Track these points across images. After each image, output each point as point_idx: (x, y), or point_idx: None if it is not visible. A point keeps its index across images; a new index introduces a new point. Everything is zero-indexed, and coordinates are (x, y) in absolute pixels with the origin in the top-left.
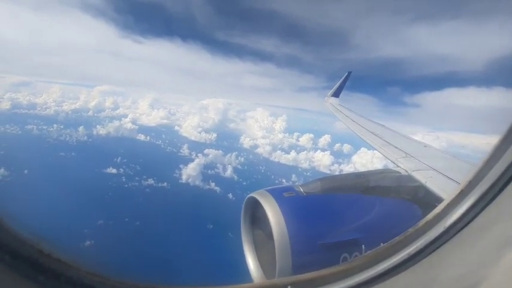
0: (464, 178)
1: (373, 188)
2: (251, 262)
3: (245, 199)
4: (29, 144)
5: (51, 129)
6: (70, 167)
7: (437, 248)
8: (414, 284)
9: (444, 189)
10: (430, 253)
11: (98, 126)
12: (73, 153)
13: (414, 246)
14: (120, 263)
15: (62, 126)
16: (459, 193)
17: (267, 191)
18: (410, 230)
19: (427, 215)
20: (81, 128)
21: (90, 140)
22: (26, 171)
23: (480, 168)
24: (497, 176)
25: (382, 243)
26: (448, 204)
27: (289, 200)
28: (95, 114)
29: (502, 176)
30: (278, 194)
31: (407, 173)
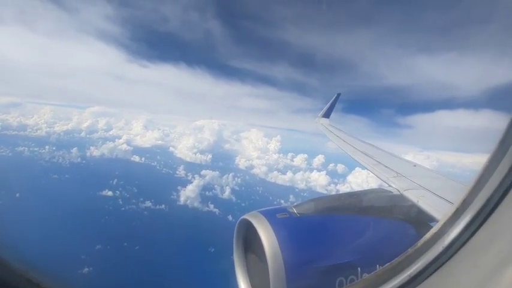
0: (458, 196)
1: (366, 208)
2: (243, 285)
3: (238, 221)
4: (20, 166)
5: (43, 150)
6: (64, 189)
7: (438, 268)
8: None
9: (436, 208)
10: (431, 274)
11: (91, 147)
12: (67, 176)
13: (414, 267)
14: None
15: (54, 148)
16: (455, 211)
17: (260, 212)
18: (410, 250)
19: (420, 234)
20: (74, 150)
21: (84, 161)
22: (17, 195)
23: (473, 186)
24: (491, 193)
25: (377, 265)
26: (444, 223)
27: (282, 222)
28: (88, 136)
29: (495, 193)
30: (271, 216)
31: (399, 193)
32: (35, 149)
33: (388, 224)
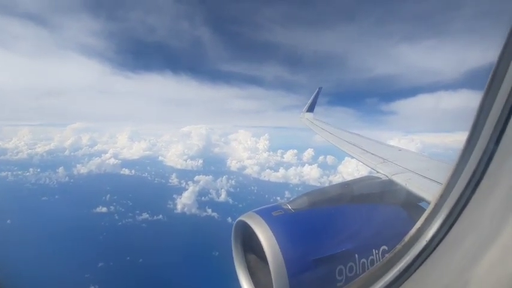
0: (435, 193)
1: (357, 197)
2: (246, 287)
3: (234, 223)
4: (6, 192)
5: (28, 173)
6: (56, 211)
7: (424, 261)
8: None
9: (423, 189)
10: (418, 267)
11: (77, 165)
12: (56, 196)
13: (403, 262)
14: None
15: (38, 170)
16: (434, 207)
17: (256, 212)
18: (398, 247)
19: (410, 215)
20: (60, 169)
21: (72, 180)
22: (8, 221)
23: (449, 180)
24: (462, 191)
25: (373, 249)
26: (426, 218)
27: (278, 219)
28: (72, 153)
29: (466, 190)
30: (267, 214)
31: (387, 178)
32: (19, 172)
33: (379, 209)
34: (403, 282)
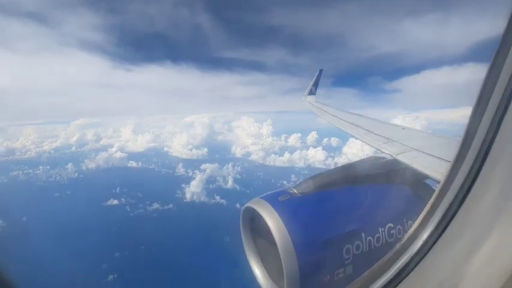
0: (434, 193)
1: (362, 177)
2: (258, 272)
3: (242, 210)
4: (19, 190)
5: (38, 171)
6: (69, 206)
7: (420, 260)
8: None
9: (428, 166)
10: (415, 266)
11: (85, 160)
12: (68, 192)
13: (402, 261)
14: None
15: (48, 167)
16: (429, 208)
17: (262, 198)
18: (397, 246)
19: (417, 193)
20: (69, 165)
21: (81, 175)
22: (24, 219)
23: (443, 183)
24: (457, 190)
25: (379, 228)
26: (422, 219)
27: (285, 204)
28: (79, 149)
29: (461, 189)
30: (273, 200)
31: (392, 157)
32: (29, 171)
33: (384, 188)
34: (401, 281)
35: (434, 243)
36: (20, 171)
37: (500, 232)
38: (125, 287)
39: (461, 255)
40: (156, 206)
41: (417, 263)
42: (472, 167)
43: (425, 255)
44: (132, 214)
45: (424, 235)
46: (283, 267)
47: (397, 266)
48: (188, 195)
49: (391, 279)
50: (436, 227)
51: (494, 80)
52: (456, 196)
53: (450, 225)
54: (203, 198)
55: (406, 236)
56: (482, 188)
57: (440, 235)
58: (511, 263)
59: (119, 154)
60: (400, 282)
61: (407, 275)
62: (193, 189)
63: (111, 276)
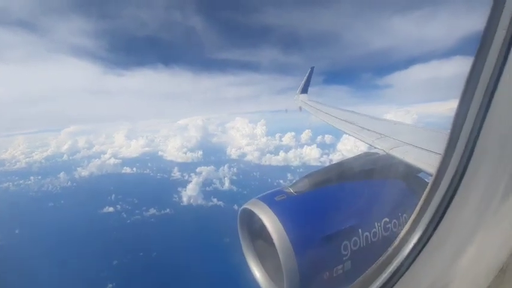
0: (422, 196)
1: (357, 174)
2: (257, 273)
3: (239, 211)
4: (10, 202)
5: (29, 182)
6: (64, 215)
7: (412, 262)
8: None
9: (420, 160)
10: (408, 268)
11: (78, 168)
12: (62, 201)
13: (395, 263)
14: None
15: (39, 177)
16: (419, 211)
17: (259, 199)
18: (390, 249)
19: (410, 186)
20: (61, 174)
21: (74, 184)
22: (16, 231)
23: (431, 186)
24: (444, 192)
25: (375, 223)
26: (412, 222)
27: (281, 204)
28: (71, 157)
29: (447, 191)
30: (270, 200)
31: (385, 153)
32: (20, 181)
33: (379, 184)
34: (397, 281)
35: (424, 245)
36: (10, 183)
37: (486, 231)
38: None
39: (451, 255)
40: (153, 211)
41: (409, 265)
42: (457, 167)
43: (417, 256)
44: (128, 221)
45: (415, 238)
46: (282, 267)
47: (390, 269)
48: (185, 199)
49: (384, 283)
50: (426, 229)
51: (478, 73)
52: (443, 198)
53: (439, 226)
54: (200, 201)
55: (398, 239)
56: (468, 189)
57: (430, 237)
58: (497, 261)
59: (112, 160)
60: (393, 285)
61: (400, 277)
62: (190, 193)
63: (110, 285)
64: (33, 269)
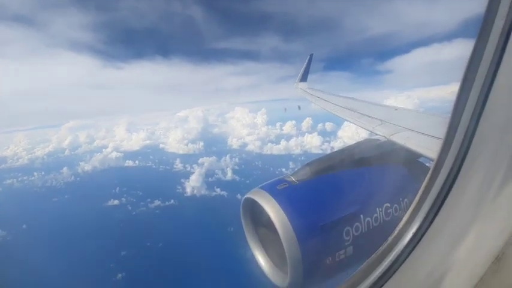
0: (422, 181)
1: (358, 161)
2: (261, 259)
3: (241, 201)
4: (15, 198)
5: (33, 178)
6: (69, 209)
7: (412, 250)
8: (402, 284)
9: (422, 145)
10: (408, 256)
11: (80, 163)
12: (66, 196)
13: (395, 251)
14: (162, 285)
15: (42, 173)
16: (418, 201)
17: (261, 188)
18: (390, 238)
19: (411, 172)
20: (64, 169)
21: (78, 178)
22: (24, 226)
23: (429, 176)
24: (442, 182)
25: (377, 208)
26: (411, 212)
27: (283, 192)
28: (73, 152)
29: (446, 181)
30: (272, 189)
31: (386, 139)
32: (24, 178)
33: (380, 170)
34: (397, 269)
35: (423, 235)
36: (14, 179)
37: (484, 220)
38: (135, 284)
39: (450, 244)
40: (157, 202)
41: (409, 254)
42: (455, 160)
43: (416, 245)
44: (134, 213)
45: (414, 228)
46: (286, 254)
47: (389, 259)
48: (188, 190)
49: (384, 272)
50: (425, 219)
51: (480, 55)
52: (442, 188)
53: (437, 217)
54: (204, 192)
55: (398, 228)
56: (466, 180)
57: (428, 227)
58: (494, 250)
59: (114, 154)
60: (394, 273)
61: (400, 265)
62: (193, 184)
63: (119, 275)
64: (44, 263)
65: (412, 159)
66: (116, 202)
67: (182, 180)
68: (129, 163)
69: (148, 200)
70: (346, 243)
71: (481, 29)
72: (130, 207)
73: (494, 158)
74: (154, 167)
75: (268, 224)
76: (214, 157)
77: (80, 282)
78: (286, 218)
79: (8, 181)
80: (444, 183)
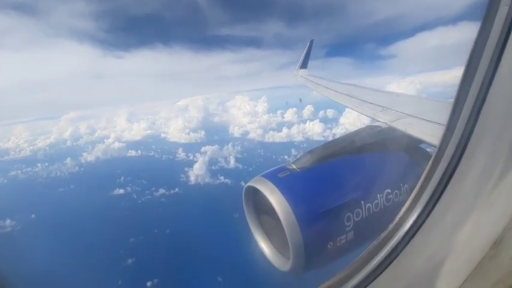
0: (423, 167)
1: (359, 147)
2: (264, 246)
3: (244, 189)
4: (21, 189)
5: (37, 169)
6: (76, 199)
7: (411, 238)
8: (401, 272)
9: (423, 131)
10: (409, 241)
11: (83, 153)
12: (72, 186)
13: (397, 237)
14: (170, 268)
15: (46, 164)
16: (419, 189)
17: (263, 176)
18: (390, 226)
19: (412, 158)
20: (68, 160)
21: (82, 169)
22: (33, 216)
23: (431, 164)
24: (443, 170)
25: (378, 194)
26: (412, 199)
27: (285, 180)
28: (74, 143)
29: (446, 170)
30: (274, 177)
31: (387, 125)
32: (28, 169)
33: (381, 156)
34: (395, 257)
35: (424, 221)
36: (18, 171)
37: (484, 206)
38: (145, 268)
39: (450, 229)
40: (162, 191)
41: (410, 239)
42: (456, 149)
43: (417, 230)
44: (140, 201)
45: (415, 214)
46: (288, 240)
47: (390, 244)
48: (192, 178)
49: (385, 257)
50: (426, 206)
51: (484, 42)
52: (443, 176)
53: (438, 204)
54: (208, 180)
55: (399, 214)
56: (466, 168)
57: (429, 214)
58: (493, 235)
59: (116, 144)
60: (395, 257)
61: (402, 250)
62: (197, 172)
63: (130, 260)
64: (56, 250)
65: (413, 146)
66: (122, 191)
67: (186, 169)
68: (132, 153)
69: (153, 188)
70: (347, 229)
71: (485, 15)
72: (135, 196)
73: (496, 146)
74: (157, 156)
75: (271, 212)
76: (216, 145)
77: (92, 268)
78: (288, 205)
79: (13, 173)
80: (445, 171)
